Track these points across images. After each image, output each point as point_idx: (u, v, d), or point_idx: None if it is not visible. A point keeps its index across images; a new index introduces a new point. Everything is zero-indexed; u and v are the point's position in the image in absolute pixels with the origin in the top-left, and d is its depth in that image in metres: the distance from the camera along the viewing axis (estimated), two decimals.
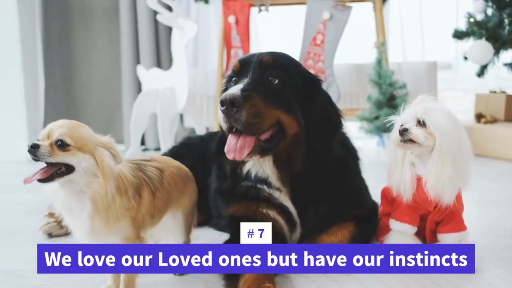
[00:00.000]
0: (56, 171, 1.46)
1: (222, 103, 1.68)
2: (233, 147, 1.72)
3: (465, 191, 1.78)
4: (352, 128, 4.73)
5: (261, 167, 1.87)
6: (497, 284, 1.69)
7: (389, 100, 4.41)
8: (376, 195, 2.13)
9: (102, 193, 1.48)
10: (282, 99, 1.79)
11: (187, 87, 4.71)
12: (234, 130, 1.74)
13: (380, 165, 4.10)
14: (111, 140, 1.54)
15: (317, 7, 4.76)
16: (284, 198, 1.90)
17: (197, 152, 2.46)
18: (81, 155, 1.47)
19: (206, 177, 2.30)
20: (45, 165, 1.47)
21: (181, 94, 4.76)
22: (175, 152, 2.52)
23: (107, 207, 1.50)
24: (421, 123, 1.72)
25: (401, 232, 1.82)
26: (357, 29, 5.87)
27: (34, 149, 1.44)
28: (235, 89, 1.70)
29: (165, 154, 2.56)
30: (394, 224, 1.84)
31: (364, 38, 5.96)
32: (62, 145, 1.45)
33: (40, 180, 1.45)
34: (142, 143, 5.83)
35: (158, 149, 5.72)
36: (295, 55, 1.92)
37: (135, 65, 5.63)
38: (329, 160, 1.89)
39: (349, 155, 2.04)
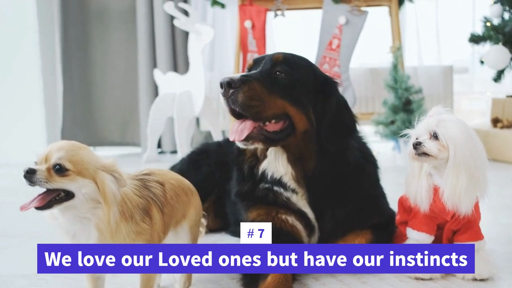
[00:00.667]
0: (54, 197, 1.37)
1: (221, 85, 1.76)
2: (235, 129, 1.81)
3: (482, 200, 1.79)
4: (368, 132, 4.74)
5: (276, 165, 1.90)
6: None
7: (405, 104, 4.42)
8: (391, 200, 2.14)
9: (106, 220, 1.39)
10: (289, 92, 1.83)
11: (203, 91, 4.76)
12: (240, 117, 1.83)
13: (396, 169, 4.10)
14: (114, 163, 1.44)
15: (333, 12, 4.78)
16: (301, 203, 1.92)
17: (215, 158, 2.49)
18: (81, 180, 1.36)
19: (225, 183, 2.34)
20: (44, 189, 1.37)
21: (198, 98, 4.81)
22: (193, 158, 2.56)
23: (114, 235, 1.42)
24: (434, 136, 1.73)
25: (418, 241, 1.82)
26: (373, 33, 5.87)
27: (30, 175, 1.33)
28: (236, 75, 1.79)
29: (183, 160, 2.60)
30: (411, 233, 1.84)
31: (380, 42, 5.96)
32: (60, 169, 1.34)
33: (37, 208, 1.36)
34: (159, 146, 5.89)
35: (174, 152, 5.78)
36: (311, 59, 1.97)
37: (152, 69, 5.70)
38: (344, 164, 1.91)
39: (368, 162, 2.05)
